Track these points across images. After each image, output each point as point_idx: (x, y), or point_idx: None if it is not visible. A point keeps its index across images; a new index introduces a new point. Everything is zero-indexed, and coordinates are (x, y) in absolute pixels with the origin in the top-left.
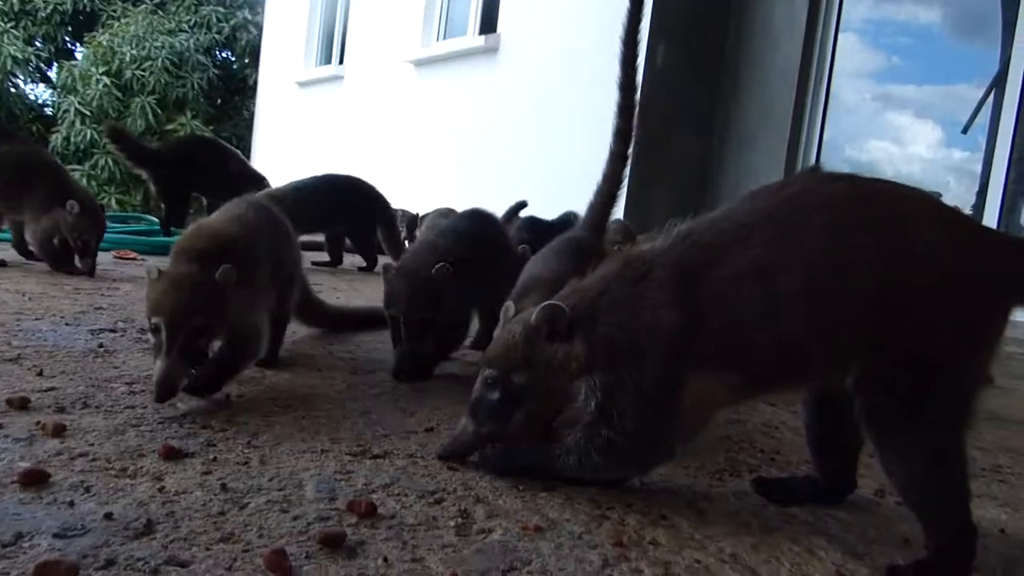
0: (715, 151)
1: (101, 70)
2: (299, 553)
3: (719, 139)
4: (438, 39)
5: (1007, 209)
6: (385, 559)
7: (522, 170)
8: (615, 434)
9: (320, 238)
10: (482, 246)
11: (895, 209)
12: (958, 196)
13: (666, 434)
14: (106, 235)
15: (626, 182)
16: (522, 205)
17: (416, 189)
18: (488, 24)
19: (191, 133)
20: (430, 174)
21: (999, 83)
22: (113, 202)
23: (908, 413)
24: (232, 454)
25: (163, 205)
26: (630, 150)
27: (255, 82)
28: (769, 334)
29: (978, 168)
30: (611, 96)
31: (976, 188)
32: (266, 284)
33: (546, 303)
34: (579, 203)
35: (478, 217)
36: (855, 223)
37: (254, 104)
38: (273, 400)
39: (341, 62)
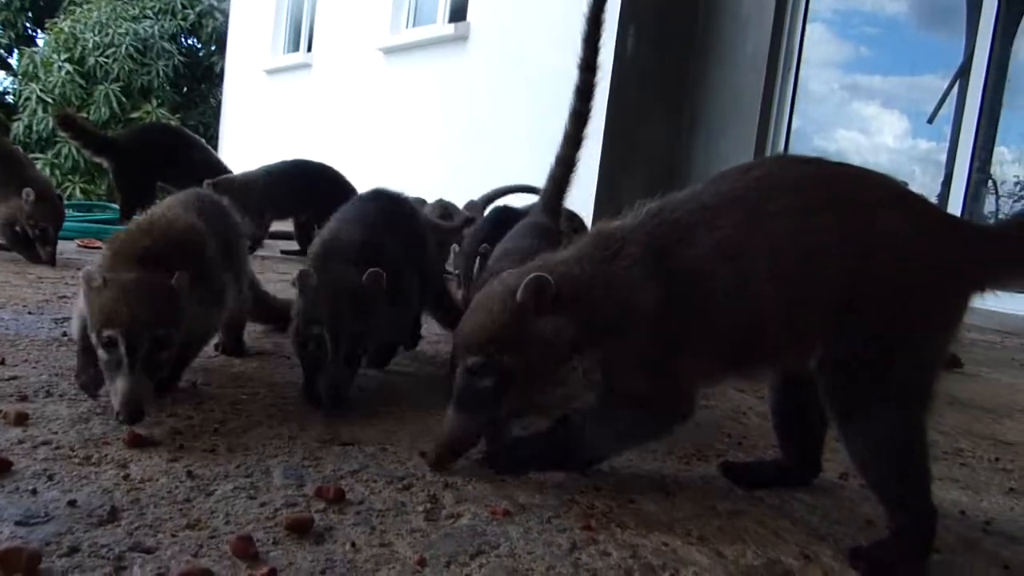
0: (684, 138)
1: (63, 57)
2: (266, 539)
3: (688, 126)
4: (407, 26)
5: (971, 197)
6: (353, 544)
7: (493, 158)
8: (627, 402)
9: (289, 227)
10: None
11: (861, 194)
12: (924, 185)
13: (675, 394)
14: (71, 224)
15: (596, 168)
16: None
17: (386, 178)
18: (458, 12)
19: (154, 121)
20: (400, 163)
21: (963, 74)
22: (77, 191)
23: (870, 395)
24: (199, 442)
25: (120, 194)
26: (585, 132)
27: (222, 70)
28: (735, 314)
29: (943, 158)
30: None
31: (941, 178)
32: (220, 282)
33: (533, 275)
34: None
35: (386, 199)
36: (822, 206)
37: (221, 92)
38: (241, 388)
39: (309, 50)
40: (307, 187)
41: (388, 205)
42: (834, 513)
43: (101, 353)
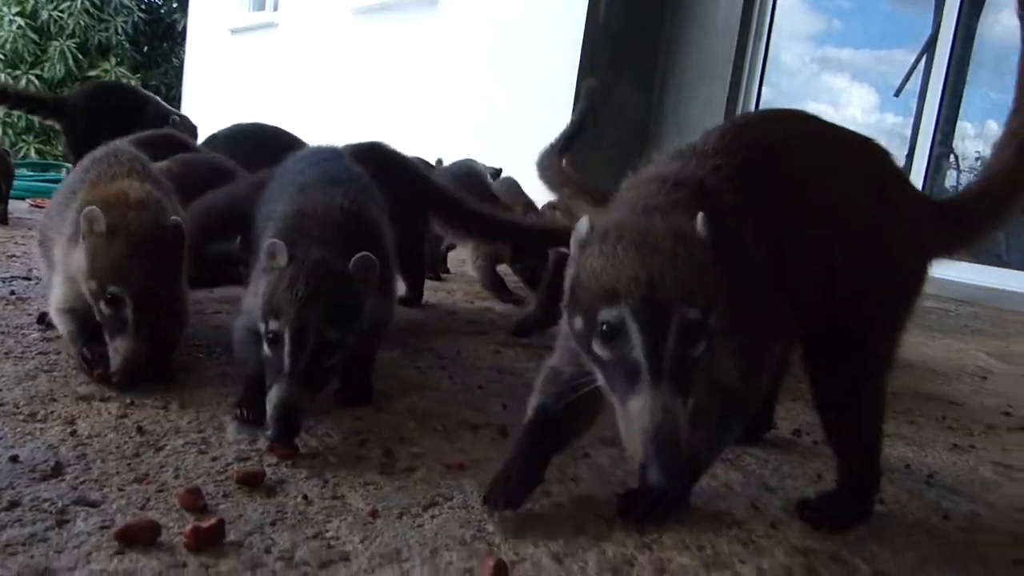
0: (655, 107)
1: (14, 11)
2: (216, 492)
3: (659, 93)
4: None
5: (933, 170)
6: (305, 497)
7: (464, 121)
8: (751, 385)
9: None
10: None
11: (865, 161)
12: None
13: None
14: (24, 183)
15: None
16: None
17: (354, 140)
18: None
19: (107, 79)
20: (369, 125)
21: (930, 48)
22: (32, 151)
23: (846, 359)
24: (151, 398)
25: (72, 155)
26: None
27: (184, 28)
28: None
29: (908, 132)
30: (555, 46)
31: (905, 151)
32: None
33: (700, 215)
34: (521, 154)
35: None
36: (845, 171)
37: (183, 52)
38: (196, 346)
39: (276, 8)
40: (257, 155)
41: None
42: (785, 467)
43: (101, 308)
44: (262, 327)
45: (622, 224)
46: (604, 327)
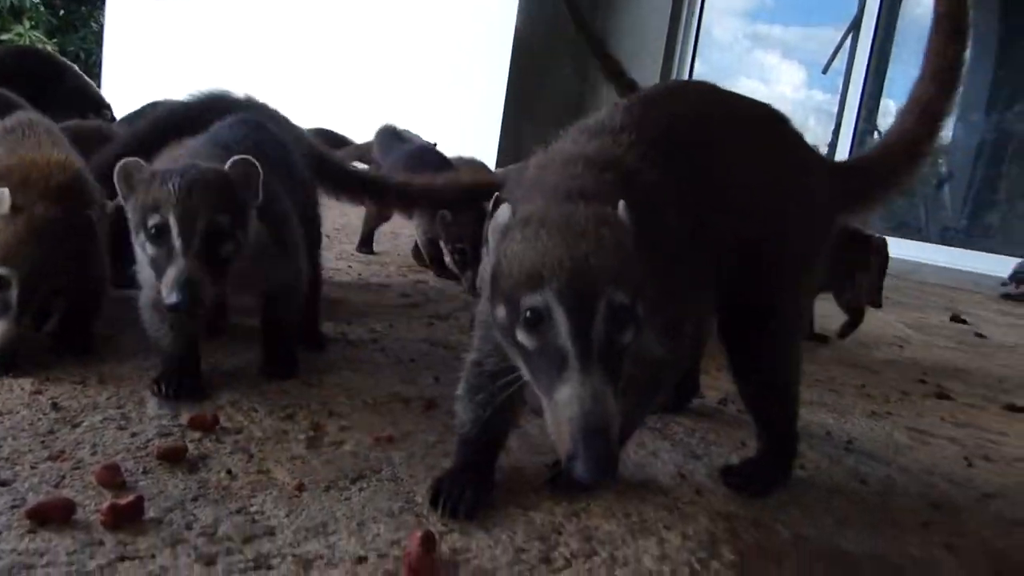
0: (590, 83)
1: None
2: (135, 468)
3: (594, 70)
4: None
5: (857, 144)
6: (229, 471)
7: (396, 94)
8: (674, 356)
9: None
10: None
11: (772, 130)
12: (816, 135)
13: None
14: None
15: (500, 114)
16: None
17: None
18: None
19: (20, 44)
20: (307, 92)
21: (856, 27)
22: None
23: (761, 325)
24: (67, 373)
25: None
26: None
27: None
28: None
29: (835, 109)
30: (489, 22)
31: (832, 127)
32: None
33: (621, 202)
34: (452, 131)
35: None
36: (755, 142)
37: (103, 15)
38: (119, 319)
39: None
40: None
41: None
42: (711, 436)
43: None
44: (141, 233)
45: (545, 210)
46: (528, 313)
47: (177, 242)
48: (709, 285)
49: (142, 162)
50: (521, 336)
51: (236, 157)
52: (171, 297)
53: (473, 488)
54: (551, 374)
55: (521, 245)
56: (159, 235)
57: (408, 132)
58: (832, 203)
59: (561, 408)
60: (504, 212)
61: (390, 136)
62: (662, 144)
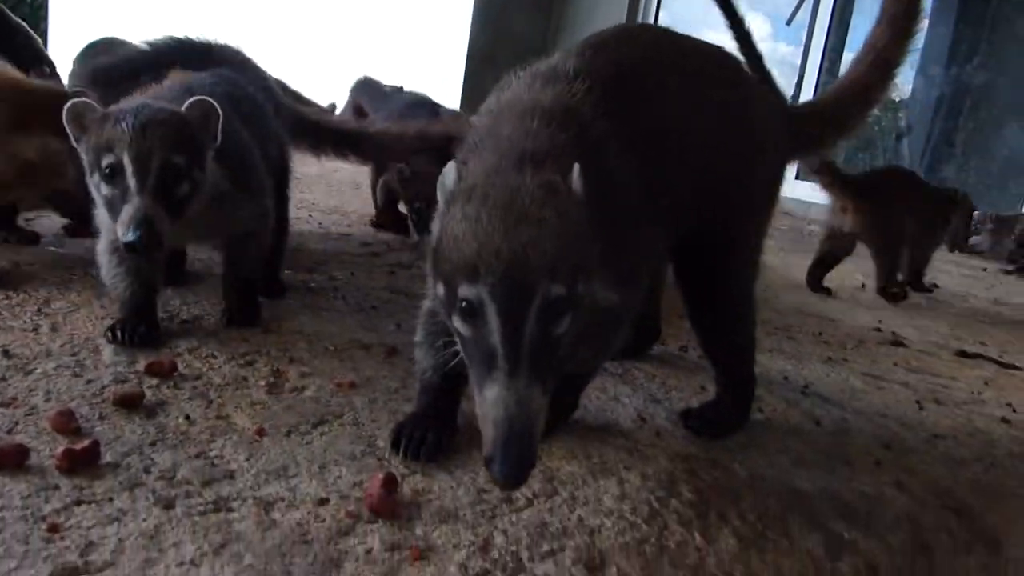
0: (552, 32)
1: None
2: (91, 414)
3: (556, 20)
4: None
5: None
6: (187, 417)
7: (356, 48)
8: (629, 304)
9: None
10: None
11: (730, 71)
12: (780, 87)
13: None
14: None
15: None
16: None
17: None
18: None
19: None
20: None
21: None
22: None
23: (719, 267)
24: (19, 321)
25: None
26: None
27: None
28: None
29: (798, 61)
30: None
31: (795, 79)
32: None
33: (568, 159)
34: (416, 67)
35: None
36: (710, 82)
37: None
38: (70, 269)
39: None
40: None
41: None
42: (671, 381)
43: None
44: (96, 173)
45: (489, 182)
46: (464, 304)
47: (132, 181)
48: (663, 232)
49: (93, 102)
50: (457, 323)
51: (194, 98)
52: (127, 235)
53: (434, 432)
54: (482, 368)
55: (462, 225)
56: (113, 175)
57: (388, 83)
58: (786, 145)
59: (487, 407)
60: (451, 173)
61: (374, 88)
62: (616, 90)
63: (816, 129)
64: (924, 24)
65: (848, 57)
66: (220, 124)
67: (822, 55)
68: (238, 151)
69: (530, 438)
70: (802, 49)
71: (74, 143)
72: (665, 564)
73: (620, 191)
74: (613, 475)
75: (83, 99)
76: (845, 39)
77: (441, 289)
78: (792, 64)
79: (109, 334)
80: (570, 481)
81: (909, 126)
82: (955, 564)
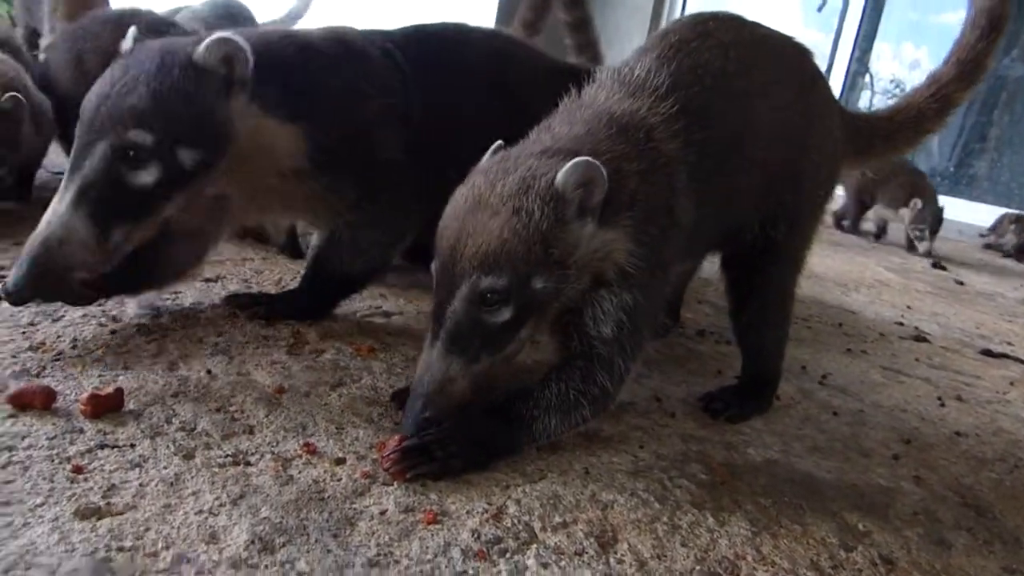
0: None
1: None
2: (115, 363)
3: None
4: None
5: (849, 87)
6: (209, 371)
7: None
8: (621, 368)
9: None
10: None
11: (806, 67)
12: None
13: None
14: None
15: None
16: None
17: None
18: None
19: None
20: None
21: None
22: None
23: (772, 259)
24: None
25: None
26: None
27: None
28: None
29: (828, 49)
30: None
31: (825, 69)
32: None
33: (579, 160)
34: None
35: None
36: (784, 80)
37: None
38: None
39: None
40: None
41: None
42: (688, 364)
43: None
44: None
45: (487, 169)
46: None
47: None
48: (696, 244)
49: None
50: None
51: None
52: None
53: None
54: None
55: (454, 201)
56: None
57: None
58: (842, 148)
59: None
60: (490, 153)
61: None
62: (692, 103)
63: (867, 141)
64: (988, 74)
65: (881, 46)
66: None
67: (854, 43)
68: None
69: (428, 401)
70: (833, 37)
71: None
72: (677, 543)
73: (666, 218)
74: (627, 452)
75: None
76: (877, 27)
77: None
78: (821, 52)
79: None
80: (583, 456)
81: None
82: (973, 562)
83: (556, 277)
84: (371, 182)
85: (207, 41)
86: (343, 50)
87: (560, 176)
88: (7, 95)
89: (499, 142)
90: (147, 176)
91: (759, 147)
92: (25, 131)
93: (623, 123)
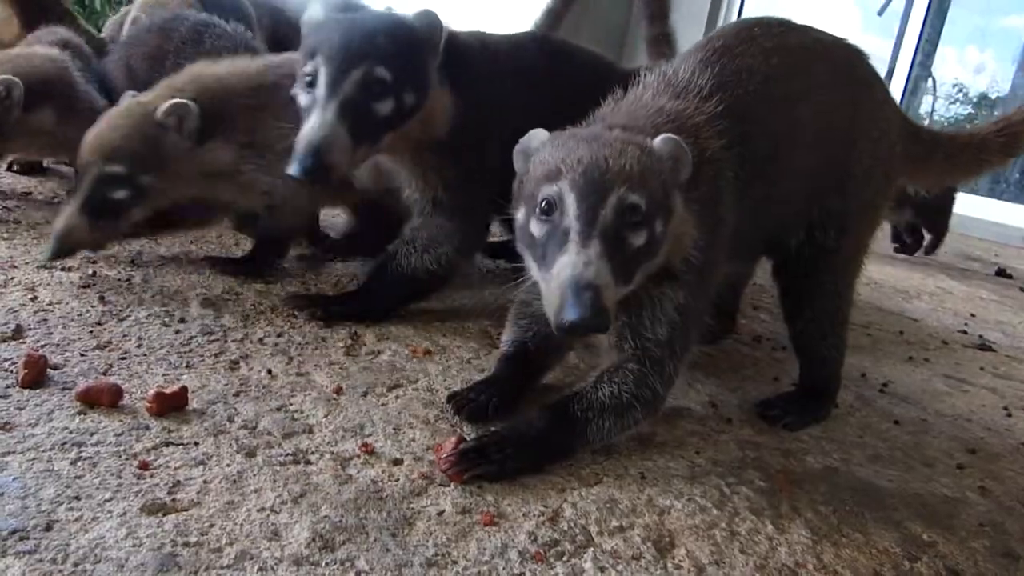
0: (636, 13)
1: None
2: (179, 362)
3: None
4: None
5: (910, 92)
6: (269, 371)
7: None
8: (671, 371)
9: None
10: None
11: (860, 71)
12: None
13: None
14: None
15: None
16: None
17: None
18: None
19: None
20: None
21: None
22: None
23: (828, 266)
24: (113, 271)
25: None
26: None
27: None
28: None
29: (888, 54)
30: None
31: (884, 73)
32: None
33: (667, 135)
34: None
35: None
36: (838, 82)
37: None
38: None
39: None
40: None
41: None
42: (744, 371)
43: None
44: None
45: (576, 131)
46: (544, 203)
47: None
48: (747, 243)
49: None
50: (534, 227)
51: None
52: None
53: (496, 396)
54: (554, 255)
55: (548, 152)
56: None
57: None
58: (900, 161)
59: (556, 275)
60: (536, 137)
61: None
62: (738, 106)
63: (929, 150)
64: None
65: (944, 51)
66: None
67: (915, 49)
68: None
69: (597, 288)
70: (893, 42)
71: None
72: (735, 550)
73: (714, 216)
74: (683, 458)
75: None
76: (941, 31)
77: (521, 213)
78: (881, 57)
79: None
80: (639, 460)
81: None
82: None
83: (664, 233)
84: (469, 176)
85: (418, 11)
86: (505, 47)
87: (657, 144)
88: (2, 77)
89: (540, 129)
90: (384, 107)
91: (802, 150)
92: (35, 120)
93: (673, 119)
